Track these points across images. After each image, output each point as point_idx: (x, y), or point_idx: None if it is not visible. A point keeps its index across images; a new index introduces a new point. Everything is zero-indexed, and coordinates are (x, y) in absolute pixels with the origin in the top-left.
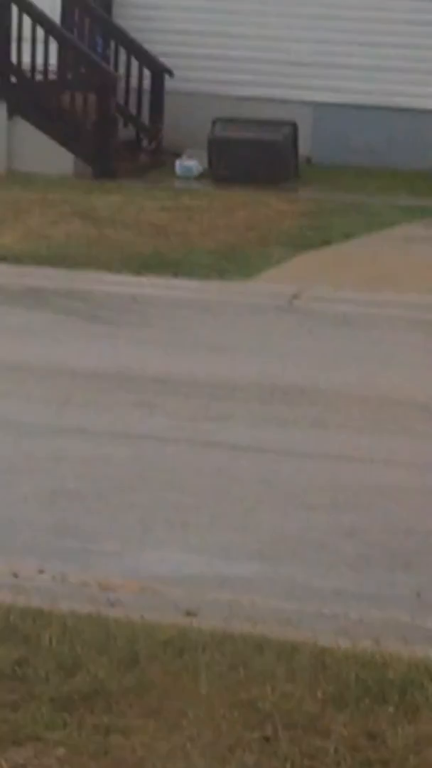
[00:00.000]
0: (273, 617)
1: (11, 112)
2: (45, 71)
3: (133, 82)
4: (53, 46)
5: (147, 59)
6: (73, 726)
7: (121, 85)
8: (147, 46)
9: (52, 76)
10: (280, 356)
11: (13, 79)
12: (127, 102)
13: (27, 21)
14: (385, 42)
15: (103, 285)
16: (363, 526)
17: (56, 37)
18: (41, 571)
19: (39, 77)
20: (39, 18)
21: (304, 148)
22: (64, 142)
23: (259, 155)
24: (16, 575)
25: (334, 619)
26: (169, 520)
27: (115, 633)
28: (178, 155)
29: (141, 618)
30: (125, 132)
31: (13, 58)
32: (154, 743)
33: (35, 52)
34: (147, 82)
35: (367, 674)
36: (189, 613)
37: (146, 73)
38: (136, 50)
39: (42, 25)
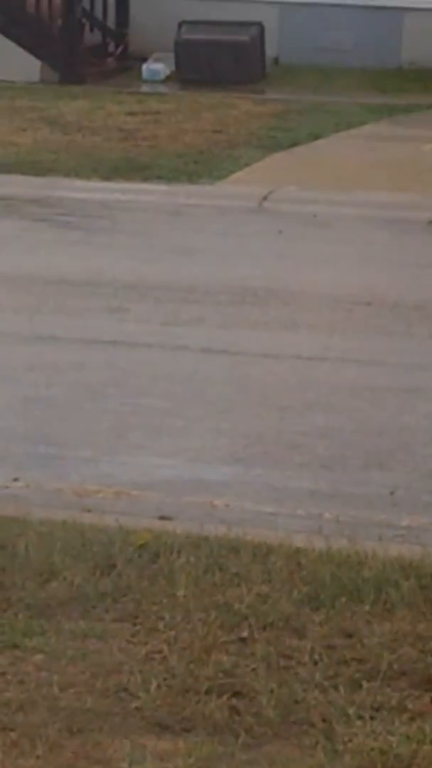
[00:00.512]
0: (248, 519)
1: None
2: None
3: None
4: None
5: None
6: (51, 632)
7: None
8: None
9: None
10: (251, 258)
11: None
12: (92, 6)
13: None
14: None
15: (72, 191)
16: (336, 426)
17: None
18: (15, 479)
19: None
20: None
21: (271, 48)
22: (30, 48)
23: (226, 57)
24: None
25: (309, 519)
26: (143, 425)
27: (91, 539)
28: (144, 59)
29: (116, 523)
30: (91, 37)
31: None
32: (131, 647)
33: None
34: None
35: (343, 573)
36: (164, 517)
37: None
38: None
39: None
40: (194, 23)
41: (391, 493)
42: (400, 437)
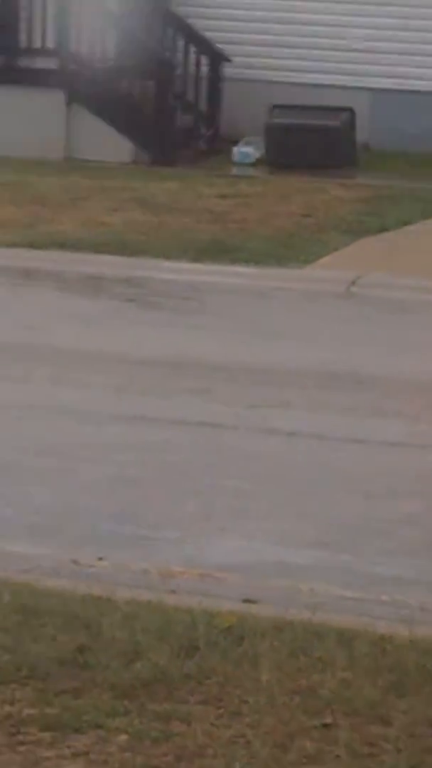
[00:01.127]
0: (332, 604)
1: (70, 100)
2: (104, 58)
3: (191, 69)
4: (112, 34)
5: (205, 46)
6: (134, 713)
7: (180, 72)
8: (205, 33)
9: (110, 64)
10: (338, 343)
11: (72, 67)
12: (185, 89)
13: (87, 8)
14: None
15: (161, 272)
16: (422, 512)
17: (115, 25)
18: (101, 559)
19: (98, 65)
20: (98, 5)
21: (361, 134)
22: (123, 129)
23: (317, 141)
24: (76, 563)
25: (394, 606)
26: (229, 506)
27: (175, 620)
28: (235, 142)
29: (200, 605)
30: (183, 119)
31: (72, 46)
32: (215, 730)
33: (94, 39)
34: (205, 69)
35: (428, 661)
36: (248, 600)
37: (204, 60)
38: (195, 37)
39: (101, 13)
40: (285, 107)
41: None
42: None
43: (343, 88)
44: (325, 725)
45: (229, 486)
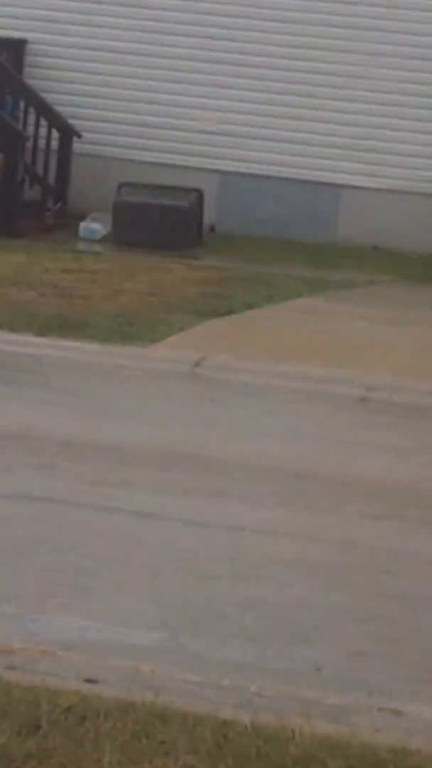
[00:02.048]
0: (174, 687)
1: None
2: None
3: (41, 142)
4: None
5: (56, 120)
6: None
7: (29, 144)
8: (56, 107)
9: None
10: (182, 423)
11: None
12: (34, 162)
13: None
14: (289, 114)
15: (4, 345)
16: (263, 598)
17: None
18: None
19: None
20: None
21: (209, 215)
22: None
23: (164, 221)
24: None
25: (235, 691)
26: (71, 584)
27: (17, 697)
28: (83, 217)
29: (42, 683)
30: (31, 192)
31: None
32: None
33: None
34: (55, 143)
35: (270, 749)
36: (90, 680)
37: (54, 133)
38: (46, 110)
39: None
40: (134, 185)
41: (318, 669)
42: (327, 613)
43: (192, 168)
44: None
45: (72, 563)
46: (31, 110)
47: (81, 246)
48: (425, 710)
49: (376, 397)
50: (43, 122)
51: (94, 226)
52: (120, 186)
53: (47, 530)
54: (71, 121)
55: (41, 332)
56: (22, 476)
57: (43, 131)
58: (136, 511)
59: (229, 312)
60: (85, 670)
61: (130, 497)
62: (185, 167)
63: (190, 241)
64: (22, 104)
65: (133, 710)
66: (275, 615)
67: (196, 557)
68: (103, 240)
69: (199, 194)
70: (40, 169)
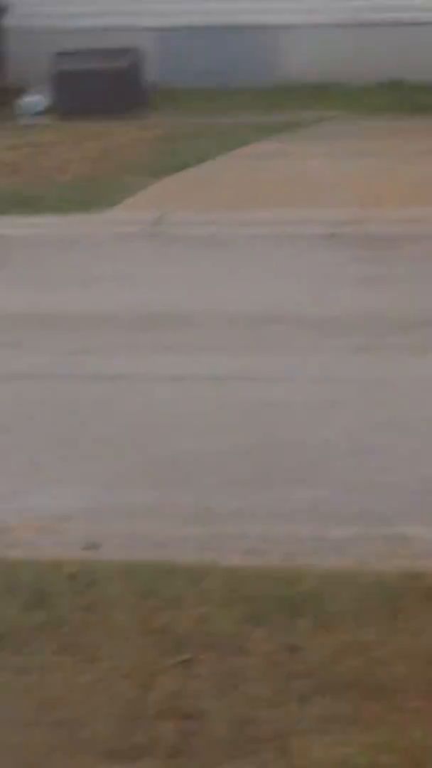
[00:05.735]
0: (177, 543)
1: None
2: None
3: None
4: None
5: None
6: None
7: None
8: None
9: None
10: (151, 283)
11: None
12: None
13: None
14: None
15: None
16: (254, 444)
17: None
18: None
19: None
20: None
21: (150, 74)
22: None
23: (104, 85)
24: None
25: (239, 538)
26: (57, 455)
27: (19, 574)
28: (21, 92)
29: (43, 555)
30: None
31: None
32: (73, 678)
33: None
34: None
35: (280, 590)
36: (91, 546)
37: None
38: None
39: None
40: (70, 54)
41: (316, 507)
42: (319, 451)
43: (128, 30)
44: (185, 661)
45: (56, 435)
46: None
47: (24, 121)
48: (429, 532)
49: (345, 232)
50: None
51: (35, 99)
52: (56, 56)
53: (26, 407)
54: None
55: None
56: None
57: None
58: (115, 375)
59: (184, 167)
60: (85, 537)
61: (107, 363)
62: (120, 29)
63: (133, 102)
64: None
65: (137, 571)
66: (268, 459)
67: (182, 412)
68: (45, 112)
69: (137, 53)
70: None
